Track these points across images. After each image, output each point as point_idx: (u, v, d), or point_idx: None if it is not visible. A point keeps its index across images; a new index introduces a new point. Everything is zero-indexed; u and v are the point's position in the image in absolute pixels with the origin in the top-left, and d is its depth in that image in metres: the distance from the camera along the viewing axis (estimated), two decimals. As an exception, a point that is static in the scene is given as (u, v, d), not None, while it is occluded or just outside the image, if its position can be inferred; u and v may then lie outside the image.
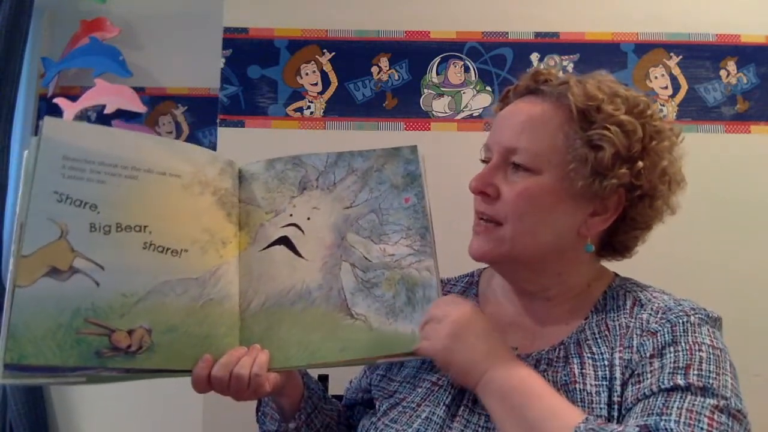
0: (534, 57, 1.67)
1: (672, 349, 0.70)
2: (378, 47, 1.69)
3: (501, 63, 1.68)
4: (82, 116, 1.79)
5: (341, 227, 0.83)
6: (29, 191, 0.69)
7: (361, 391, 0.95)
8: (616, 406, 0.71)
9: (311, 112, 1.68)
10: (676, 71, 1.65)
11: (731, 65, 1.64)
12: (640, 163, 0.76)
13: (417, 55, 1.69)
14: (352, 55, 1.69)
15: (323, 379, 1.19)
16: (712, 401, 0.64)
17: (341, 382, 1.03)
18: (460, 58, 1.68)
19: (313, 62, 1.69)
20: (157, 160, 0.77)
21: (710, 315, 0.75)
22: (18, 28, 1.66)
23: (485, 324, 0.75)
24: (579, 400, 0.73)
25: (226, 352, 0.75)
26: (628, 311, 0.78)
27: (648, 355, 0.71)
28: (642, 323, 0.75)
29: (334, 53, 1.69)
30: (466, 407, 0.78)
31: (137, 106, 1.79)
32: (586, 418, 0.65)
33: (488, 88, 1.68)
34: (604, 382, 0.73)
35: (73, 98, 1.78)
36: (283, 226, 0.83)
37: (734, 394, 0.66)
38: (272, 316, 0.79)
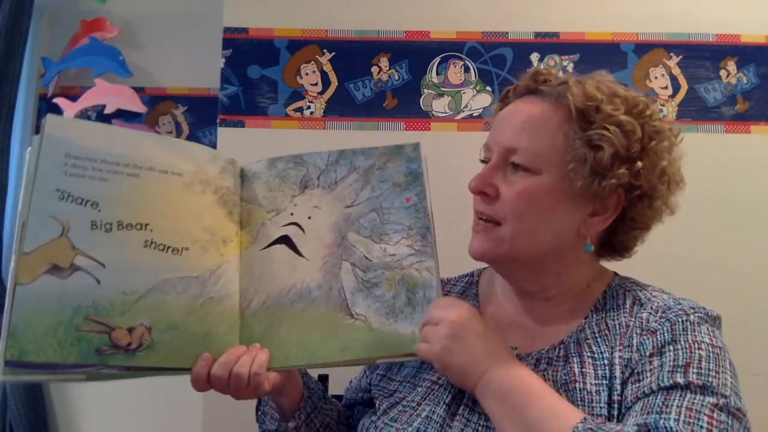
0: (534, 57, 1.67)
1: (671, 347, 0.70)
2: (378, 47, 1.69)
3: (501, 63, 1.68)
4: (82, 116, 1.78)
5: (342, 226, 0.83)
6: (31, 189, 0.69)
7: (361, 391, 0.95)
8: (616, 405, 0.71)
9: (311, 112, 1.68)
10: (676, 71, 1.65)
11: (731, 65, 1.65)
12: (639, 163, 0.76)
13: (417, 55, 1.69)
14: (352, 55, 1.69)
15: (323, 379, 1.19)
16: (712, 399, 0.64)
17: (341, 382, 1.03)
18: (460, 58, 1.68)
19: (313, 62, 1.70)
20: (158, 159, 0.77)
21: (710, 314, 0.75)
22: (18, 28, 1.66)
23: (483, 325, 0.75)
24: (579, 399, 0.73)
25: (226, 351, 0.76)
26: (627, 310, 0.78)
27: (648, 353, 0.71)
28: (642, 322, 0.75)
29: (334, 53, 1.70)
30: (467, 406, 0.78)
31: (137, 106, 1.79)
32: (585, 418, 0.65)
33: (488, 88, 1.68)
34: (604, 381, 0.73)
35: (73, 98, 1.78)
36: (284, 225, 0.83)
37: (734, 392, 0.66)
38: (272, 316, 0.79)
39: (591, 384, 0.73)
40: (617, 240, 0.83)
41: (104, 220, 0.72)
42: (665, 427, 0.61)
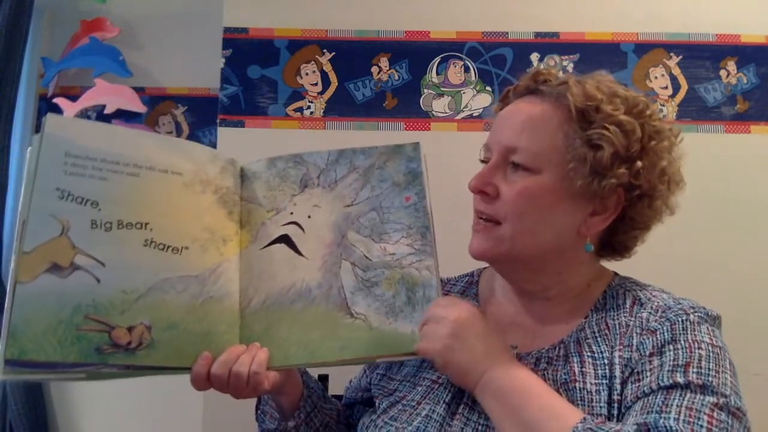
0: (534, 57, 1.67)
1: (671, 347, 0.70)
2: (378, 47, 1.69)
3: (501, 63, 1.68)
4: (82, 116, 1.78)
5: (342, 225, 0.83)
6: (31, 188, 0.69)
7: (360, 390, 0.95)
8: (616, 405, 0.71)
9: (311, 112, 1.68)
10: (676, 71, 1.65)
11: (731, 65, 1.65)
12: (639, 163, 0.76)
13: (417, 55, 1.69)
14: (352, 55, 1.69)
15: (323, 378, 1.19)
16: (712, 399, 0.64)
17: (341, 381, 1.03)
18: (460, 58, 1.68)
19: (313, 62, 1.70)
20: (158, 158, 0.77)
21: (709, 313, 0.75)
22: (18, 28, 1.66)
23: (484, 324, 0.76)
24: (579, 398, 0.73)
25: (226, 350, 0.76)
26: (627, 310, 0.78)
27: (647, 353, 0.71)
28: (642, 322, 0.75)
29: (334, 53, 1.70)
30: (467, 405, 0.78)
31: (137, 106, 1.79)
32: (584, 418, 0.65)
33: (488, 88, 1.68)
34: (604, 381, 0.73)
35: (73, 98, 1.78)
36: (284, 225, 0.83)
37: (734, 391, 0.66)
38: (272, 315, 0.79)
39: (591, 383, 0.73)
40: (617, 240, 0.83)
41: (104, 219, 0.72)
42: (665, 427, 0.61)
